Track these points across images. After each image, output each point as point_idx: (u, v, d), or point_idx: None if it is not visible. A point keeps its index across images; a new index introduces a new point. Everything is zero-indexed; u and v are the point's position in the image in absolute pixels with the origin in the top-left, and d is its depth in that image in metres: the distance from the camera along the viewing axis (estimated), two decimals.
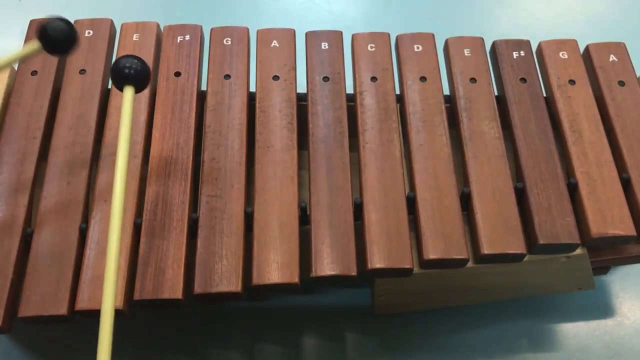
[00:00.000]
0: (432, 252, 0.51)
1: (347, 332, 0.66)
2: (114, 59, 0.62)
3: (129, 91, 0.50)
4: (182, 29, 0.63)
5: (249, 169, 0.56)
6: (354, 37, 0.64)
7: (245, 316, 0.66)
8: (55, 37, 0.48)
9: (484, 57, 0.63)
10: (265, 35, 0.63)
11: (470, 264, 0.52)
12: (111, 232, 0.45)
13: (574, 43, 0.64)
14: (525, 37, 0.64)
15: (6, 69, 0.50)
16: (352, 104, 0.59)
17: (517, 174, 0.56)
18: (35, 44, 0.49)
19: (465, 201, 0.54)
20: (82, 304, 0.48)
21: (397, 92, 0.60)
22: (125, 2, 0.96)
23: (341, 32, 0.64)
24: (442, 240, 0.51)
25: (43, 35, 0.48)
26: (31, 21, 0.63)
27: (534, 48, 0.64)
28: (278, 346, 0.65)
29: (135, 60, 0.49)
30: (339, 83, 0.60)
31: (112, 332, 0.42)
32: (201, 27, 0.64)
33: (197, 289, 0.49)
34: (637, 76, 0.61)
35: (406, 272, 0.51)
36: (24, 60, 0.50)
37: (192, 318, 0.66)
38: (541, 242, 0.51)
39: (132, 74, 0.49)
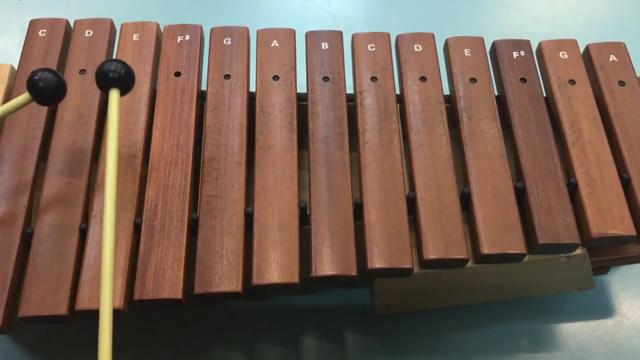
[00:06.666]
0: (432, 252, 0.51)
1: (347, 332, 0.66)
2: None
3: (114, 94, 0.51)
4: (182, 29, 0.63)
5: (249, 169, 0.56)
6: (354, 37, 0.64)
7: (245, 316, 0.66)
8: (45, 88, 0.50)
9: (484, 57, 0.63)
10: (265, 35, 0.63)
11: (470, 264, 0.52)
12: (105, 239, 0.45)
13: (574, 43, 0.63)
14: (525, 37, 0.64)
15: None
16: (352, 104, 0.59)
17: (517, 174, 0.56)
18: (25, 96, 0.51)
19: (465, 201, 0.54)
20: (82, 304, 0.48)
21: (397, 92, 0.60)
22: (125, 2, 0.96)
23: (341, 32, 0.64)
24: (442, 240, 0.51)
25: (32, 87, 0.50)
26: (31, 21, 0.63)
27: (534, 48, 0.64)
28: (278, 346, 0.65)
29: (119, 65, 0.51)
30: (339, 83, 0.60)
31: (111, 332, 0.42)
32: (201, 27, 0.64)
33: (197, 289, 0.49)
34: (637, 76, 0.61)
35: (406, 272, 0.51)
36: (14, 111, 0.53)
37: (192, 318, 0.66)
38: (541, 242, 0.51)
39: (117, 77, 0.51)
